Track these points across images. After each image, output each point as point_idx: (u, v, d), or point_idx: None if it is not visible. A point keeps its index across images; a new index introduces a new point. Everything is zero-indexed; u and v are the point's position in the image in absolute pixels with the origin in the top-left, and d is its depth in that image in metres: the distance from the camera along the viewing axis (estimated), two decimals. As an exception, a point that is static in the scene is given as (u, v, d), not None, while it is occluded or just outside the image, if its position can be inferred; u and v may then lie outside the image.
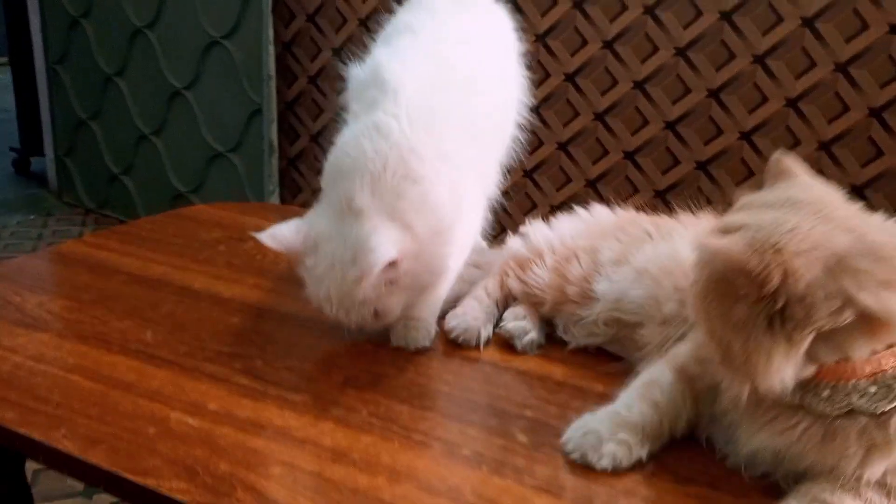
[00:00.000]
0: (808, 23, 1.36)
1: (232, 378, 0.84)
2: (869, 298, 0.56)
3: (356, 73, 0.94)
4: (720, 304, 0.62)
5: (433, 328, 0.94)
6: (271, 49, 2.26)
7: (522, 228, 1.05)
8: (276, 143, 2.36)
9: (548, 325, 0.98)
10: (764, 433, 0.66)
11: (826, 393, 0.60)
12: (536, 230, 1.04)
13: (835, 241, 0.57)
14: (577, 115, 1.60)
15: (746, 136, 1.45)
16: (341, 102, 0.97)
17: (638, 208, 1.05)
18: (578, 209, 1.07)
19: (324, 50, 2.25)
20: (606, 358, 0.92)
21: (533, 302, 0.97)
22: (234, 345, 0.91)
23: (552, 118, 1.62)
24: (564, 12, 1.56)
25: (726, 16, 1.42)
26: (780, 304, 0.57)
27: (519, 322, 0.95)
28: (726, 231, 0.62)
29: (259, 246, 1.18)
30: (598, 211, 1.06)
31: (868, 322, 0.57)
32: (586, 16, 1.53)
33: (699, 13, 1.44)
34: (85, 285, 1.04)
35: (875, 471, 0.60)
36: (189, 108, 2.52)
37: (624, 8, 1.50)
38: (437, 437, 0.76)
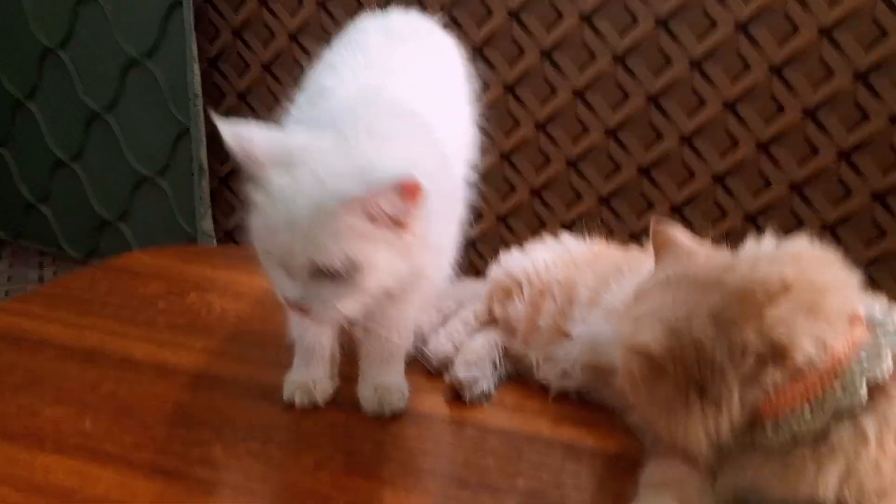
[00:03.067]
0: (825, 33, 1.32)
1: (189, 471, 0.75)
2: (747, 337, 0.61)
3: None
4: (647, 390, 0.65)
5: (406, 388, 0.87)
6: (196, 67, 2.12)
7: (500, 257, 1.02)
8: (205, 164, 2.23)
9: (519, 363, 0.94)
10: (736, 477, 0.66)
11: (770, 428, 0.63)
12: (513, 259, 1.01)
13: (709, 302, 0.63)
14: (586, 130, 1.53)
15: (764, 147, 1.41)
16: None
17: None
18: (549, 239, 1.04)
19: (252, 66, 2.14)
20: (587, 405, 0.87)
21: (508, 331, 0.95)
22: (188, 428, 0.82)
23: (560, 135, 1.55)
24: (571, 26, 1.49)
25: (742, 26, 1.37)
26: (695, 376, 0.62)
27: (470, 371, 0.89)
28: (636, 321, 0.66)
29: (203, 299, 1.09)
30: (570, 242, 1.03)
31: (767, 355, 0.61)
32: (595, 30, 1.46)
33: (713, 24, 1.38)
34: (7, 365, 0.92)
35: (830, 481, 0.61)
36: (110, 132, 2.36)
37: (636, 21, 1.44)
38: (426, 525, 0.70)
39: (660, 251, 0.74)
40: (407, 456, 0.79)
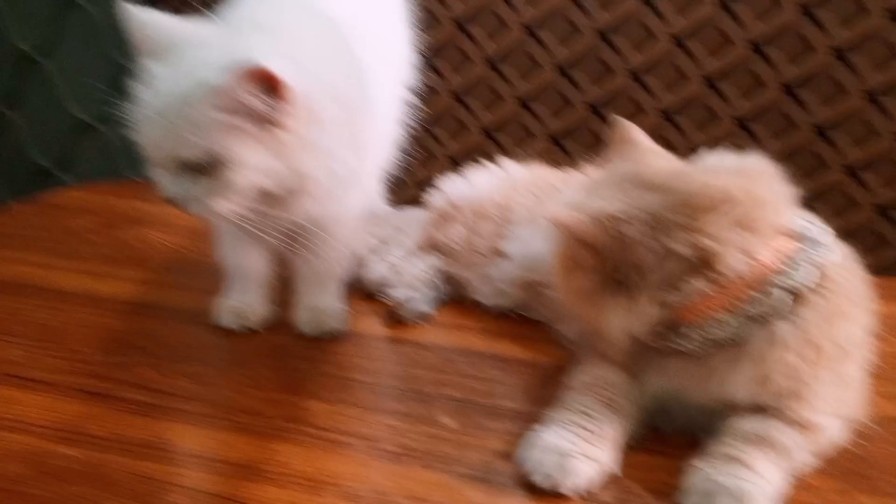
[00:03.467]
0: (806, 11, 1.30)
1: (119, 393, 0.75)
2: (678, 245, 0.61)
3: None
4: (570, 276, 0.67)
5: (343, 310, 0.87)
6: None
7: (439, 184, 1.02)
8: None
9: (459, 285, 0.94)
10: (658, 381, 0.68)
11: (688, 333, 0.64)
12: (453, 185, 1.01)
13: (647, 203, 0.63)
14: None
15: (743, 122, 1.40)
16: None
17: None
18: (491, 165, 1.04)
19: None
20: (524, 322, 0.89)
21: (447, 255, 0.95)
22: (119, 353, 0.81)
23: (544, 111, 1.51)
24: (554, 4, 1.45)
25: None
26: (618, 270, 0.63)
27: (407, 291, 0.90)
28: (573, 208, 0.65)
29: (136, 232, 1.07)
30: (511, 167, 1.03)
31: (696, 264, 0.61)
32: (579, 6, 1.42)
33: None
34: (-68, 300, 0.90)
35: (744, 384, 0.63)
36: (48, 76, 2.26)
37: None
38: (357, 434, 0.70)
39: (616, 147, 0.74)
40: (340, 371, 0.79)
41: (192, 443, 0.68)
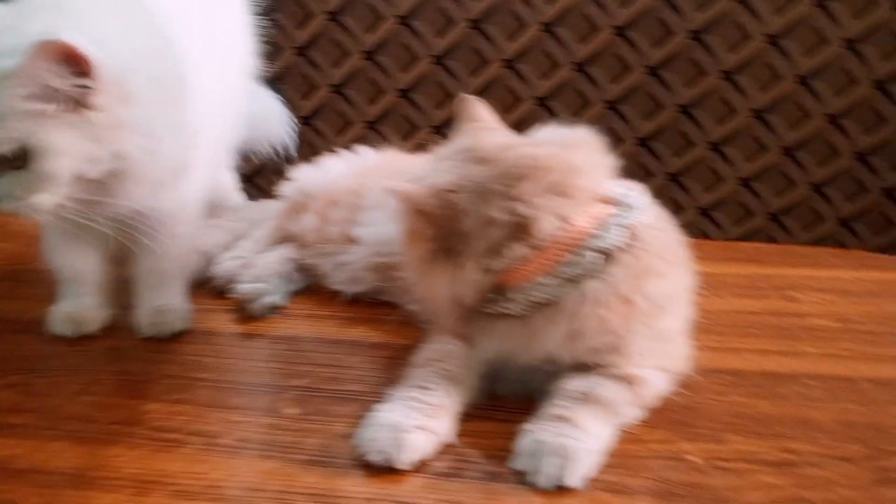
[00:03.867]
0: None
1: (-68, 412, 0.70)
2: (497, 212, 0.65)
3: None
4: (411, 247, 0.68)
5: (187, 308, 0.85)
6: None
7: (292, 173, 1.02)
8: None
9: (314, 275, 0.94)
10: (492, 343, 0.70)
11: (513, 297, 0.66)
12: (304, 174, 1.01)
13: (475, 174, 0.67)
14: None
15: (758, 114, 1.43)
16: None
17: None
18: (344, 152, 1.03)
19: None
20: (379, 306, 0.89)
21: (300, 245, 0.94)
22: (-64, 371, 0.76)
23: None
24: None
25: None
26: (449, 238, 0.66)
27: (255, 284, 0.88)
28: (413, 182, 0.69)
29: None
30: (365, 153, 1.03)
31: (514, 230, 0.65)
32: (598, 4, 1.41)
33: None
34: None
35: (559, 339, 0.66)
36: None
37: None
38: (193, 432, 0.68)
39: (460, 123, 0.77)
40: (182, 371, 0.77)
41: (14, 455, 0.64)
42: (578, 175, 0.68)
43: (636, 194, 0.71)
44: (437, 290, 0.68)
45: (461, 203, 0.66)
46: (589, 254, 0.65)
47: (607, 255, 0.65)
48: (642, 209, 0.69)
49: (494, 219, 0.65)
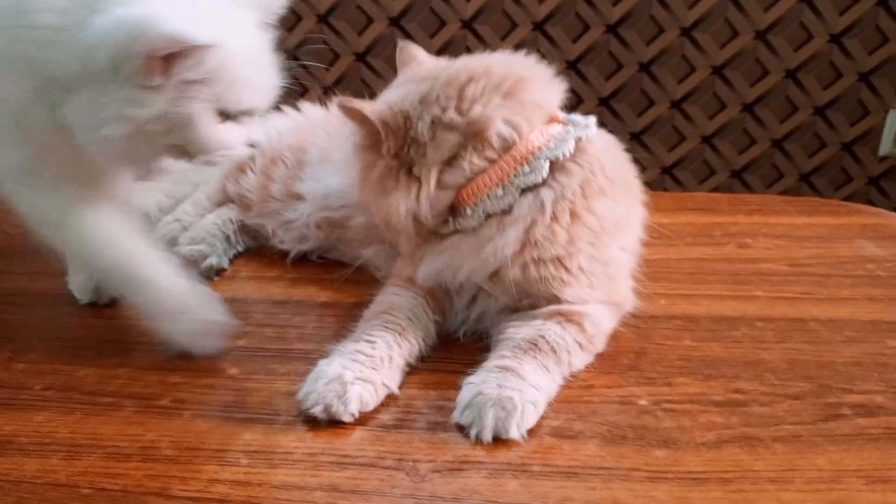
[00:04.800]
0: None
1: None
2: (447, 114, 0.66)
3: None
4: (366, 170, 0.69)
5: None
6: None
7: None
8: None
9: (259, 235, 0.91)
10: (440, 260, 0.69)
11: (468, 212, 0.67)
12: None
13: (422, 89, 0.68)
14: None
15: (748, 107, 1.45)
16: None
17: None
18: (288, 109, 1.00)
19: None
20: (328, 266, 0.87)
21: (243, 206, 0.92)
22: None
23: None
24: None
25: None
26: (403, 151, 0.67)
27: (195, 246, 0.85)
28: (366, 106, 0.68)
29: None
30: (307, 108, 0.99)
31: (467, 136, 0.66)
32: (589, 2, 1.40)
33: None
34: None
35: (509, 244, 0.66)
36: None
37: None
38: (129, 395, 0.66)
39: (402, 67, 0.77)
40: (117, 335, 0.74)
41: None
42: (528, 85, 0.68)
43: (586, 118, 0.71)
44: (396, 209, 0.67)
45: (411, 112, 0.67)
46: (541, 163, 0.65)
47: (557, 163, 0.66)
48: (592, 128, 0.69)
49: (445, 121, 0.66)
